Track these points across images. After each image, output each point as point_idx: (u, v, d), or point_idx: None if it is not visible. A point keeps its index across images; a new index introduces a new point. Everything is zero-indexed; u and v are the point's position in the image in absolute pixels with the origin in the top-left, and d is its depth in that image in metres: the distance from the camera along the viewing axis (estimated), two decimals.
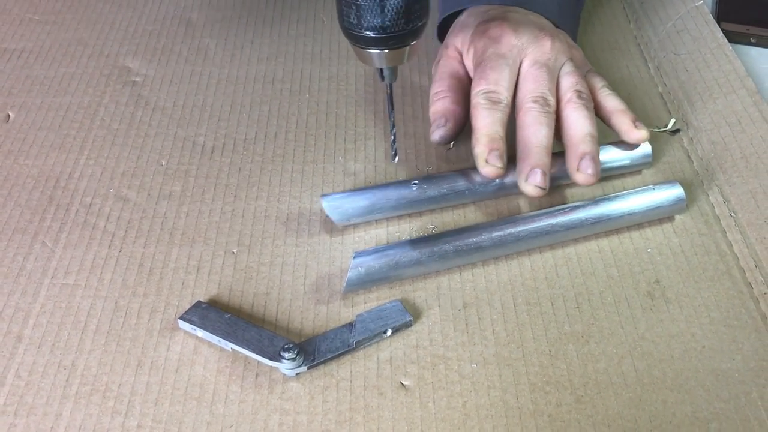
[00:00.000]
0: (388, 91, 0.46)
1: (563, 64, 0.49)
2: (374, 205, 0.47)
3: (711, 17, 0.61)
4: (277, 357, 0.39)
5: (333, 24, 0.65)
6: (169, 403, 0.39)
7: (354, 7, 0.40)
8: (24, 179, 0.51)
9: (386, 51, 0.41)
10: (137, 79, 0.59)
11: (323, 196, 0.47)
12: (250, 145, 0.54)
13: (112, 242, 0.47)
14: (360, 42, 0.41)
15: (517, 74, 0.48)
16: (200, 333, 0.42)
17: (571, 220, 0.45)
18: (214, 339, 0.41)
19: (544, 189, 0.45)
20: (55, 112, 0.56)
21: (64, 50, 0.62)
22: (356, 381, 0.40)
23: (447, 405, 0.39)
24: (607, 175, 0.49)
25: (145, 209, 0.49)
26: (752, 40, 0.62)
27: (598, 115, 0.49)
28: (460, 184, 0.48)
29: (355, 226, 0.48)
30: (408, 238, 0.47)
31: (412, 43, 0.42)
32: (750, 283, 0.44)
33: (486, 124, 0.46)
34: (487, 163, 0.46)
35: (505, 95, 0.47)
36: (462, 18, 0.54)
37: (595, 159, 0.46)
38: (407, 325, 0.42)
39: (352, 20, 0.40)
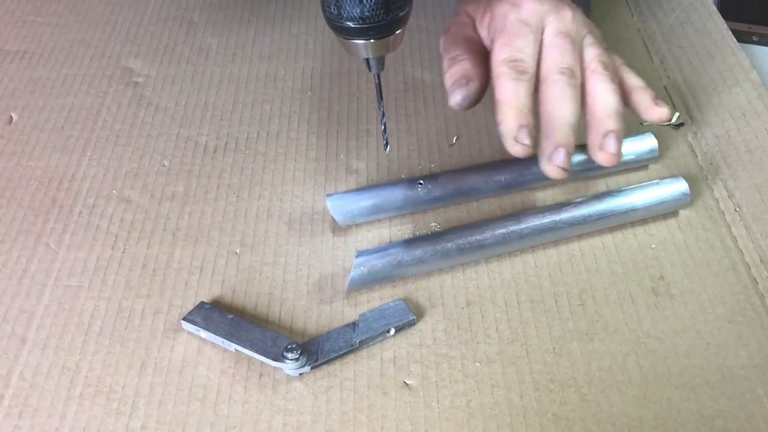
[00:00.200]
0: (377, 81, 0.45)
1: (584, 36, 0.46)
2: (379, 206, 0.47)
3: (715, 9, 0.60)
4: (280, 357, 0.39)
5: None
6: (173, 404, 0.39)
7: None
8: (27, 181, 0.51)
9: (370, 41, 0.41)
10: (139, 79, 0.59)
11: (328, 196, 0.47)
12: (253, 144, 0.53)
13: (116, 243, 0.47)
14: (342, 32, 0.41)
15: (541, 43, 0.45)
16: (203, 334, 0.42)
17: (575, 216, 0.45)
18: (218, 340, 0.41)
19: (568, 171, 0.43)
20: (58, 114, 0.57)
21: (67, 52, 0.62)
22: (360, 381, 0.40)
23: (451, 404, 0.39)
24: (612, 170, 0.49)
25: (148, 210, 0.49)
26: (754, 39, 0.61)
27: None
28: (465, 183, 0.48)
29: (359, 225, 0.47)
30: (411, 236, 0.46)
31: (397, 32, 0.41)
32: (755, 278, 0.44)
33: (513, 97, 0.43)
34: (517, 141, 0.42)
35: (531, 64, 0.44)
36: None
37: (620, 138, 0.43)
38: (410, 324, 0.42)
39: (333, 11, 0.40)
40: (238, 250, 0.46)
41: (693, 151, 0.52)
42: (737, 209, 0.47)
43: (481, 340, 0.41)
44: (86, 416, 0.39)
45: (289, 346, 0.40)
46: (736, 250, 0.45)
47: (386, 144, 0.47)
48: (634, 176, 0.50)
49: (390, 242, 0.46)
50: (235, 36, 0.63)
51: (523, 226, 0.45)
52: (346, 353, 0.41)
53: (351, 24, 0.40)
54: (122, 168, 0.52)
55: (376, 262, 0.43)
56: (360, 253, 0.43)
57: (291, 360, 0.39)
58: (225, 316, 0.42)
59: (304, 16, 0.65)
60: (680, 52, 0.59)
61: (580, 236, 0.46)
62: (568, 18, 0.46)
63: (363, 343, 0.41)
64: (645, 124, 0.49)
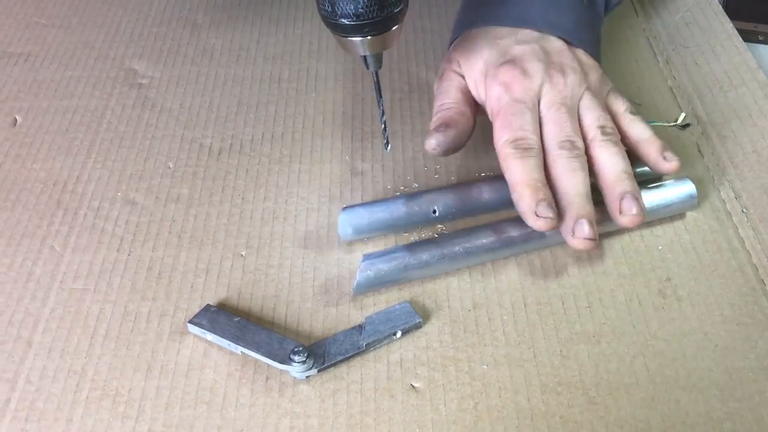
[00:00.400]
0: (375, 79, 0.44)
1: (581, 97, 0.47)
2: (389, 227, 0.46)
3: (720, 9, 0.60)
4: (287, 360, 0.39)
5: None
6: (179, 407, 0.39)
7: None
8: (32, 183, 0.51)
9: (366, 38, 0.41)
10: (143, 81, 0.59)
11: (341, 230, 0.46)
12: (257, 145, 0.53)
13: (121, 246, 0.47)
14: (338, 30, 0.41)
15: (539, 116, 0.46)
16: (210, 336, 0.41)
17: None
18: (224, 342, 0.41)
19: (595, 240, 0.42)
20: (62, 116, 0.56)
21: (71, 53, 0.62)
22: (366, 383, 0.40)
23: (458, 407, 0.39)
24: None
25: (153, 212, 0.49)
26: (760, 38, 0.61)
27: (624, 143, 0.47)
28: (480, 205, 0.47)
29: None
30: (417, 239, 0.46)
31: (393, 29, 0.41)
32: (763, 279, 0.44)
33: (523, 175, 0.43)
34: (539, 216, 0.42)
35: (534, 139, 0.44)
36: (471, 32, 0.51)
37: (637, 196, 0.43)
38: (417, 326, 0.42)
39: (327, 8, 0.40)
40: (243, 253, 0.46)
41: (699, 151, 0.52)
42: (744, 210, 0.47)
43: (488, 342, 0.41)
44: (92, 420, 0.39)
45: (295, 349, 0.39)
46: (744, 252, 0.45)
47: (387, 143, 0.47)
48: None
49: (396, 245, 0.46)
50: (239, 37, 0.63)
51: (529, 229, 0.44)
52: (353, 356, 0.41)
53: (345, 21, 0.40)
54: (127, 170, 0.52)
55: (383, 265, 0.43)
56: (366, 257, 0.43)
57: (298, 363, 0.39)
58: (231, 319, 0.42)
59: (308, 17, 0.65)
60: (686, 52, 0.58)
61: None
62: (560, 85, 0.46)
63: (369, 346, 0.41)
64: (656, 123, 0.49)
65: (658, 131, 0.48)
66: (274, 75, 0.59)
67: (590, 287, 0.44)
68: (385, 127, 0.47)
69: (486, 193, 0.47)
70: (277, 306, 0.44)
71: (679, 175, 0.48)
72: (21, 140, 0.55)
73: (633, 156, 0.47)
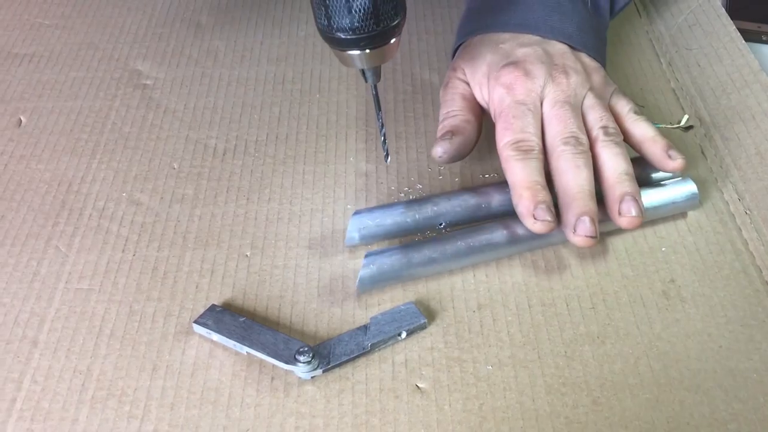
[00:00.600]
0: (374, 93, 0.44)
1: (584, 97, 0.47)
2: (396, 236, 0.46)
3: (723, 11, 0.60)
4: (292, 360, 0.39)
5: None
6: (185, 407, 0.39)
7: (323, 9, 0.39)
8: (36, 184, 0.51)
9: (363, 52, 0.41)
10: (148, 82, 0.60)
11: (348, 237, 0.46)
12: (262, 146, 0.54)
13: (126, 246, 0.47)
14: (334, 44, 0.41)
15: (541, 118, 0.46)
16: (215, 337, 0.42)
17: None
18: (229, 343, 0.41)
19: (596, 237, 0.42)
20: (67, 117, 0.57)
21: (75, 54, 0.62)
22: (371, 384, 0.40)
23: (463, 408, 0.39)
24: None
25: (158, 213, 0.49)
26: (764, 38, 0.61)
27: (628, 143, 0.47)
28: (491, 218, 0.46)
29: None
30: (420, 237, 0.46)
31: (391, 42, 0.41)
32: (767, 281, 0.44)
33: (523, 177, 0.43)
34: (536, 219, 0.42)
35: (535, 141, 0.44)
36: (474, 39, 0.51)
37: (636, 198, 0.43)
38: (422, 327, 0.42)
39: (323, 22, 0.40)
40: (248, 253, 0.46)
41: (703, 153, 0.52)
42: (747, 212, 0.47)
43: (493, 343, 0.41)
44: (98, 419, 0.39)
45: (300, 349, 0.40)
46: (747, 253, 0.45)
47: (386, 155, 0.47)
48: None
49: (400, 243, 0.46)
50: (243, 38, 0.63)
51: None
52: (358, 356, 0.41)
53: (342, 35, 0.40)
54: (132, 171, 0.52)
55: (386, 260, 0.43)
56: (369, 253, 0.43)
57: (303, 363, 0.39)
58: (236, 319, 0.42)
59: (311, 19, 0.64)
60: (689, 54, 0.59)
61: None
62: (563, 84, 0.46)
63: (374, 347, 0.41)
64: (660, 126, 0.49)
65: (661, 133, 0.48)
66: (278, 76, 0.59)
67: (594, 288, 0.44)
68: (384, 140, 0.47)
69: (494, 205, 0.47)
70: (282, 306, 0.44)
71: (681, 176, 0.48)
72: (26, 141, 0.55)
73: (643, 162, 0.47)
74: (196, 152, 0.53)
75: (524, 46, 0.49)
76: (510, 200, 0.44)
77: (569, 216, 0.43)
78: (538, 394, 0.39)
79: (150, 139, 0.54)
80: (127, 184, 0.51)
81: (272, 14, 0.66)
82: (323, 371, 0.40)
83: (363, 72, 0.43)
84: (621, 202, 0.43)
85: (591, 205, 0.43)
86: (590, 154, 0.45)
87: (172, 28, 0.65)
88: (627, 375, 0.40)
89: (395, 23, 0.40)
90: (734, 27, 0.58)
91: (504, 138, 0.45)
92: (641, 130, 0.47)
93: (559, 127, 0.45)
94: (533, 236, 0.44)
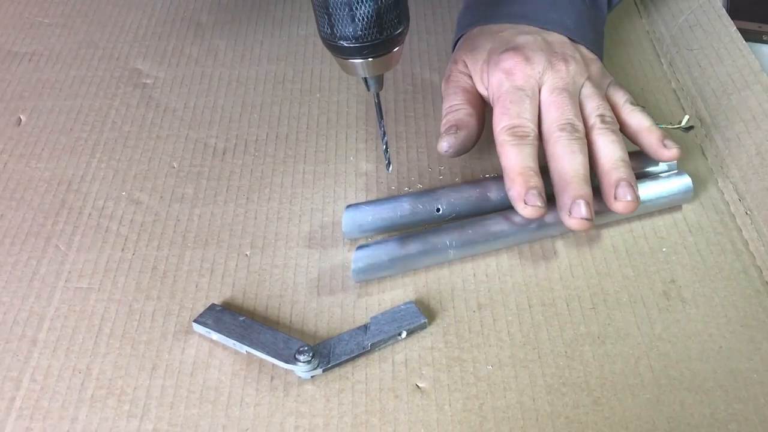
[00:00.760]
0: (376, 101, 0.44)
1: (582, 86, 0.47)
2: (392, 225, 0.46)
3: (724, 12, 0.60)
4: (292, 360, 0.39)
5: None
6: (184, 406, 0.39)
7: (326, 17, 0.39)
8: (36, 183, 0.51)
9: (366, 60, 0.41)
10: (148, 81, 0.59)
11: (345, 228, 0.46)
12: (262, 146, 0.53)
13: (125, 245, 0.47)
14: (337, 52, 0.41)
15: (539, 104, 0.46)
16: (215, 336, 0.41)
17: None
18: (229, 342, 0.41)
19: (590, 220, 0.42)
20: (67, 115, 0.57)
21: (75, 53, 0.62)
22: (371, 383, 0.40)
23: (463, 407, 0.39)
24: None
25: (158, 212, 0.49)
26: (764, 38, 0.61)
27: (624, 133, 0.47)
28: (484, 204, 0.47)
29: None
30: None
31: (394, 50, 0.41)
32: (767, 281, 0.44)
33: (517, 162, 0.44)
34: (527, 204, 0.43)
35: (531, 127, 0.45)
36: (473, 31, 0.52)
37: (632, 184, 0.44)
38: (422, 326, 0.42)
39: (326, 30, 0.40)
40: (248, 252, 0.46)
41: (703, 154, 0.52)
42: (748, 212, 0.47)
43: (493, 343, 0.41)
44: (97, 418, 0.39)
45: (300, 349, 0.39)
46: (748, 254, 0.45)
47: (388, 164, 0.47)
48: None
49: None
50: (243, 38, 0.63)
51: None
52: (358, 356, 0.41)
53: (345, 43, 0.40)
54: (131, 170, 0.52)
55: (378, 248, 0.43)
56: (360, 246, 0.44)
57: (303, 362, 0.39)
58: (236, 318, 0.42)
59: (312, 19, 0.65)
60: (689, 55, 0.59)
61: (590, 239, 0.46)
62: (562, 72, 0.47)
63: (374, 346, 0.41)
64: (661, 126, 0.49)
65: (669, 133, 0.48)
66: (279, 75, 0.59)
67: (595, 288, 0.44)
68: (386, 148, 0.47)
69: (490, 192, 0.47)
70: (282, 306, 0.44)
71: (675, 168, 0.48)
72: (25, 140, 0.55)
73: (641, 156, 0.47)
74: (195, 151, 0.53)
75: (524, 34, 0.49)
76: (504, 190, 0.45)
77: (565, 199, 0.43)
78: (538, 394, 0.39)
79: (150, 138, 0.54)
80: (126, 183, 0.51)
81: (272, 14, 0.66)
82: (323, 371, 0.40)
83: (365, 80, 0.43)
84: (617, 187, 0.44)
85: (586, 188, 0.43)
86: (585, 140, 0.45)
87: (172, 27, 0.65)
88: (627, 375, 0.40)
89: (398, 32, 0.40)
90: (735, 27, 0.58)
91: (500, 123, 0.45)
92: (637, 120, 0.48)
93: (556, 113, 0.45)
94: (531, 227, 0.44)
